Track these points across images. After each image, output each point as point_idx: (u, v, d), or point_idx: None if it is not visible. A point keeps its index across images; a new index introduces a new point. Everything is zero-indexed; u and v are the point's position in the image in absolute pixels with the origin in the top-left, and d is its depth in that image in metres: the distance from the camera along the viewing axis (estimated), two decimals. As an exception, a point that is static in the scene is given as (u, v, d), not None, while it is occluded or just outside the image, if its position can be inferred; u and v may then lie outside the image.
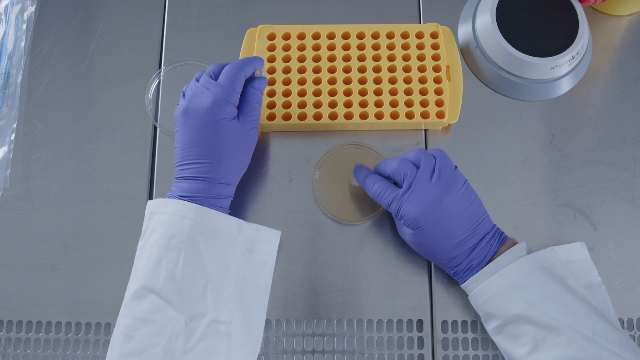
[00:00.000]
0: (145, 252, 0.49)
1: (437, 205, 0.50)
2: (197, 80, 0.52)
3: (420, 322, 0.57)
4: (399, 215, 0.52)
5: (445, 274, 0.57)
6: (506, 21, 0.60)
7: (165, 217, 0.50)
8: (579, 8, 0.61)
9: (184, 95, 0.53)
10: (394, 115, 0.59)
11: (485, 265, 0.51)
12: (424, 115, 0.59)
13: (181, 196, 0.51)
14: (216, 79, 0.52)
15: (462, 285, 0.54)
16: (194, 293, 0.48)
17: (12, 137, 0.62)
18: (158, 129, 0.62)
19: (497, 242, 0.52)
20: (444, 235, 0.51)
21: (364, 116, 0.59)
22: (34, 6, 0.66)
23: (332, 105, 0.59)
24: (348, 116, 0.59)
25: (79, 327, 0.57)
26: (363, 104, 0.59)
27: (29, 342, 0.57)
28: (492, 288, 0.51)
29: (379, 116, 0.59)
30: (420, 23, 0.65)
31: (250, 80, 0.54)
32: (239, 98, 0.52)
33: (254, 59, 0.54)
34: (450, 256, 0.52)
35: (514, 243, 0.53)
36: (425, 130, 0.62)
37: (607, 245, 0.59)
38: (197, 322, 0.47)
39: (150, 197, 0.60)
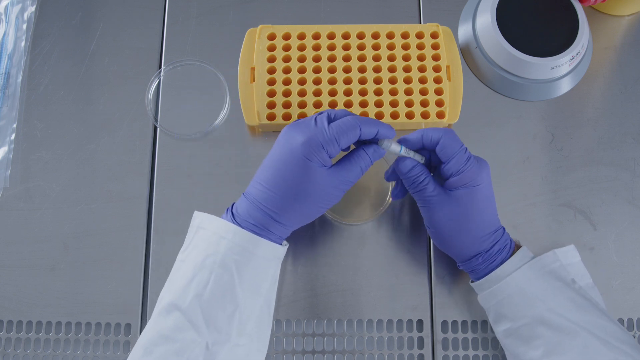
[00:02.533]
0: (182, 267, 0.49)
1: (487, 174, 0.51)
2: (318, 114, 0.50)
3: (420, 322, 0.57)
4: (465, 166, 0.49)
5: (446, 273, 0.57)
6: (506, 21, 0.60)
7: (207, 234, 0.49)
8: (579, 8, 0.61)
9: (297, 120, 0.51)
10: (394, 115, 0.59)
11: (499, 266, 0.51)
12: (424, 115, 0.59)
13: (234, 213, 0.49)
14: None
15: (474, 284, 0.53)
16: (220, 318, 0.47)
17: (12, 137, 0.62)
18: (158, 129, 0.62)
19: (511, 241, 0.52)
20: (489, 203, 0.51)
21: (364, 116, 0.59)
22: (34, 6, 0.66)
23: (332, 105, 0.59)
24: None
25: (79, 327, 0.57)
26: (363, 104, 0.59)
27: (29, 342, 0.57)
28: (507, 289, 0.50)
29: (379, 116, 0.59)
30: (420, 23, 0.65)
31: (369, 143, 0.50)
32: (337, 150, 0.49)
33: (381, 125, 0.49)
34: (490, 230, 0.51)
35: (518, 246, 0.53)
36: (425, 130, 0.62)
37: (607, 245, 0.59)
38: (219, 347, 0.46)
39: (151, 197, 0.60)
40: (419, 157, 0.51)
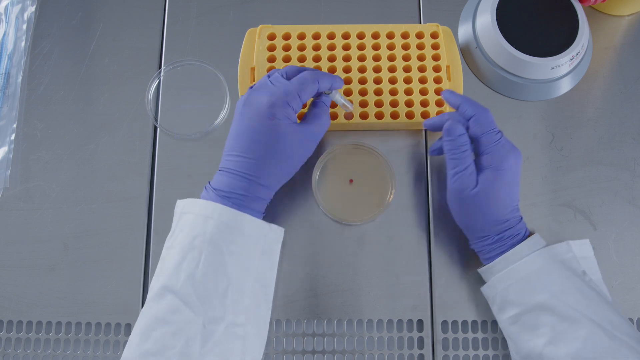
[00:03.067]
0: (170, 252, 0.49)
1: (515, 163, 0.52)
2: (269, 77, 0.52)
3: (420, 322, 0.57)
4: (491, 147, 0.51)
5: (446, 273, 0.57)
6: (506, 21, 0.60)
7: (191, 217, 0.50)
8: (579, 8, 0.61)
9: (251, 87, 0.53)
10: (394, 115, 0.59)
11: (509, 250, 0.52)
12: (424, 115, 0.59)
13: (216, 189, 0.50)
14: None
15: (483, 269, 0.54)
16: (213, 295, 0.47)
17: (12, 137, 0.62)
18: (158, 129, 0.62)
19: (525, 231, 0.53)
20: (507, 191, 0.51)
21: (364, 116, 0.59)
22: (34, 6, 0.66)
23: (332, 105, 0.59)
24: (348, 116, 0.59)
25: (79, 327, 0.57)
26: (363, 104, 0.59)
27: (29, 342, 0.57)
28: (516, 274, 0.51)
29: (379, 116, 0.59)
30: (420, 23, 0.65)
31: (321, 94, 0.55)
32: (300, 105, 0.52)
33: (334, 78, 0.53)
34: (503, 218, 0.51)
35: (530, 233, 0.53)
36: (425, 130, 0.62)
37: (607, 245, 0.59)
38: (215, 326, 0.47)
39: (151, 197, 0.60)
40: (349, 105, 0.57)
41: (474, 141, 0.52)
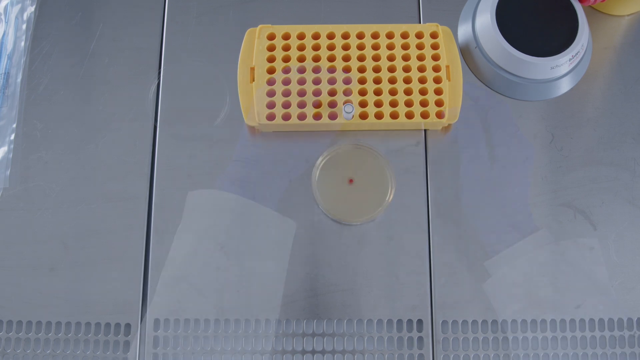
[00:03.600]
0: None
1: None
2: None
3: (420, 322, 0.57)
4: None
5: (446, 273, 0.57)
6: (506, 21, 0.60)
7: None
8: (579, 8, 0.61)
9: None
10: (394, 115, 0.59)
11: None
12: (424, 115, 0.59)
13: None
14: None
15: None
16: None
17: (12, 137, 0.62)
18: (158, 129, 0.62)
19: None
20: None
21: (363, 116, 0.59)
22: (34, 6, 0.66)
23: (332, 105, 0.59)
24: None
25: (79, 327, 0.57)
26: (363, 104, 0.59)
27: (29, 342, 0.57)
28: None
29: (378, 116, 0.59)
30: (420, 23, 0.65)
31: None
32: None
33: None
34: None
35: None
36: (425, 130, 0.62)
37: (607, 245, 0.59)
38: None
39: (150, 197, 0.60)
40: (350, 118, 0.57)
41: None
